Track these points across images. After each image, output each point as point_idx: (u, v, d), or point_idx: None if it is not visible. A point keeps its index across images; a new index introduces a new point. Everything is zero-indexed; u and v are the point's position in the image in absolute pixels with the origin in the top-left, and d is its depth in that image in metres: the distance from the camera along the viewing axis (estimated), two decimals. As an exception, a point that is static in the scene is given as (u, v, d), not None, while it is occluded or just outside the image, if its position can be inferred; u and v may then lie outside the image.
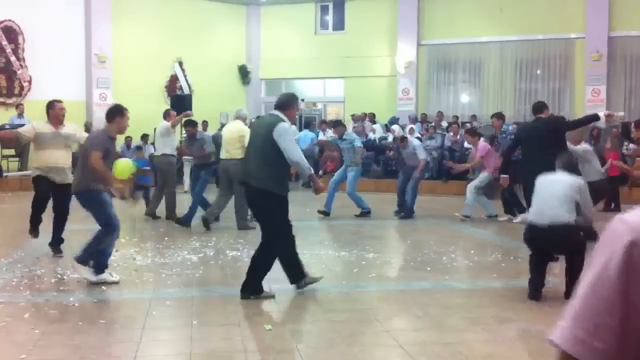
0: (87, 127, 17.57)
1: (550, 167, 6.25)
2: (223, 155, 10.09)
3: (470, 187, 11.18)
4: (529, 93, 20.01)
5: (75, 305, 5.77)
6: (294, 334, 5.02)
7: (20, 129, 8.26)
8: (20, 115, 16.53)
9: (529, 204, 6.88)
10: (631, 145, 14.49)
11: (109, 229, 6.42)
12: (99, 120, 18.23)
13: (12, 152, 16.57)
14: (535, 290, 6.01)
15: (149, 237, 9.45)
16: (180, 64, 20.57)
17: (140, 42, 19.53)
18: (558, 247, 6.14)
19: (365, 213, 11.59)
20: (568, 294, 5.97)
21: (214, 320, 5.43)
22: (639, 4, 18.40)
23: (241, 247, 8.63)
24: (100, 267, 6.48)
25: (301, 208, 11.66)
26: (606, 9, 18.53)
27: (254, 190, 5.75)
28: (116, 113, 6.66)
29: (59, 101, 7.98)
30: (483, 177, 11.13)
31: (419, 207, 11.76)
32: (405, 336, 5.05)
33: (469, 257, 8.04)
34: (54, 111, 7.85)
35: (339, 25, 21.88)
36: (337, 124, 12.21)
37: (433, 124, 18.13)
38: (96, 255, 6.48)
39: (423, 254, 8.20)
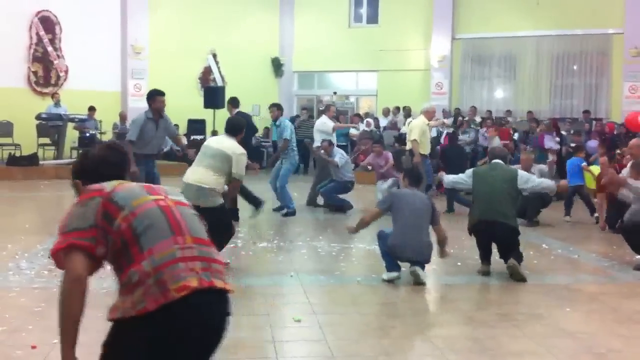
0: (122, 118, 17.79)
1: None
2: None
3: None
4: (564, 89, 19.75)
5: (104, 292, 5.83)
6: (322, 325, 5.02)
7: None
8: (57, 104, 16.74)
9: None
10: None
11: None
12: (133, 111, 18.47)
13: (47, 140, 16.82)
14: None
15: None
16: (214, 55, 20.66)
17: (174, 33, 19.64)
18: None
19: (290, 213, 10.65)
20: None
21: (242, 310, 5.45)
22: (680, -1, 18.02)
23: (271, 239, 8.66)
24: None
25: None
26: (646, 3, 18.18)
27: (509, 227, 6.68)
28: None
29: None
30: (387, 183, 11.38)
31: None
32: (434, 330, 5.03)
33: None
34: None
35: (373, 18, 21.79)
36: (273, 106, 11.03)
37: (467, 118, 17.99)
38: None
39: (454, 249, 8.14)
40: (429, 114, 11.47)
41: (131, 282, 2.38)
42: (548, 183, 7.28)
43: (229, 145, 6.62)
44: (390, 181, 11.43)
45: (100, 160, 2.81)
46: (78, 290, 2.42)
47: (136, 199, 2.55)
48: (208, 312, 2.46)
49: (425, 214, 6.46)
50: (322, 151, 11.58)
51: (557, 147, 14.62)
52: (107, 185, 2.60)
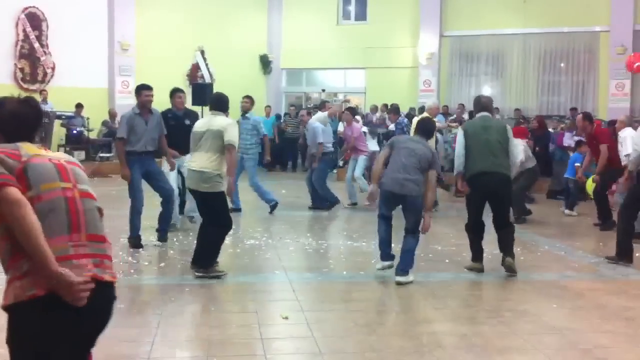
0: (111, 115, 17.70)
1: None
2: None
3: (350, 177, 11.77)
4: (551, 86, 19.82)
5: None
6: (310, 322, 5.03)
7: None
8: (44, 101, 16.64)
9: None
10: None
11: None
12: (121, 108, 18.38)
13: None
14: None
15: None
16: (202, 52, 20.59)
17: (162, 30, 19.52)
18: None
19: (273, 206, 10.57)
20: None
21: (231, 307, 5.46)
22: (666, -3, 18.13)
23: (259, 236, 8.65)
24: None
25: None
26: (632, 1, 18.27)
27: (506, 178, 6.77)
28: None
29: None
30: (362, 160, 11.54)
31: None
32: (421, 327, 5.04)
33: (488, 249, 7.99)
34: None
35: (361, 15, 21.79)
36: (246, 97, 10.75)
37: (454, 116, 18.02)
38: None
39: (442, 246, 8.18)
40: (433, 112, 11.34)
41: (22, 270, 2.46)
42: (515, 162, 7.16)
43: (217, 122, 6.55)
44: (362, 160, 11.54)
45: (17, 113, 2.68)
46: (24, 208, 2.38)
47: (46, 183, 2.53)
48: (94, 299, 2.51)
49: (421, 158, 6.44)
50: (312, 157, 11.50)
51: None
52: (23, 152, 2.55)
